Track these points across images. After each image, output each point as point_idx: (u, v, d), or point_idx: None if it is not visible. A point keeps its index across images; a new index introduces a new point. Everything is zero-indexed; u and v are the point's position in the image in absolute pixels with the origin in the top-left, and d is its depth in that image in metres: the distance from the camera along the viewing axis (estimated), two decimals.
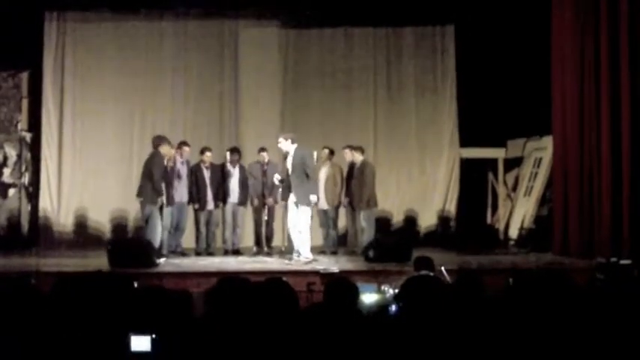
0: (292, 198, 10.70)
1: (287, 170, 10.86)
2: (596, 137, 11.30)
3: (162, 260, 10.44)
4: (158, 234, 10.79)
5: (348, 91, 14.77)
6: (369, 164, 12.05)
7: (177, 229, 11.86)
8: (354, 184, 11.98)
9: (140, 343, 3.42)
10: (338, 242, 12.53)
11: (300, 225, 10.66)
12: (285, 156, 10.90)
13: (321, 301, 4.41)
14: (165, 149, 11.18)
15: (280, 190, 11.38)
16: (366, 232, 11.70)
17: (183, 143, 12.04)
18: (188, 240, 12.18)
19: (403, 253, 10.40)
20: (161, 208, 11.13)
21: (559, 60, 11.84)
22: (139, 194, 11.13)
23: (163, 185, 11.15)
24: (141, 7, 14.51)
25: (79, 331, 3.45)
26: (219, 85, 14.76)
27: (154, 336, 3.42)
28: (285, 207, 11.08)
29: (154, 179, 10.90)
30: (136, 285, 4.74)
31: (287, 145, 10.76)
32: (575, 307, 3.80)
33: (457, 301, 4.27)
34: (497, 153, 15.12)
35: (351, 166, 12.18)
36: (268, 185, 11.96)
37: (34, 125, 14.45)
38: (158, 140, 11.31)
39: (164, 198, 11.14)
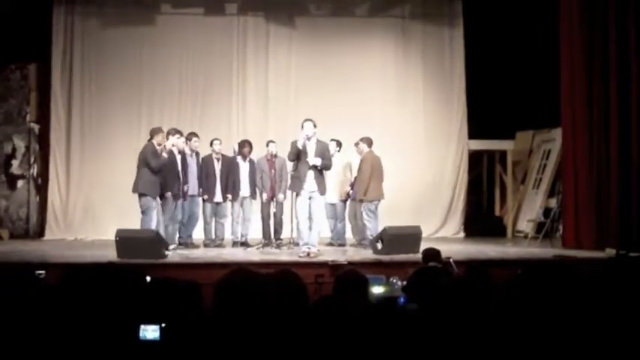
0: (308, 189, 10.32)
1: (299, 158, 10.35)
2: (604, 129, 11.28)
3: (170, 252, 10.42)
4: (152, 227, 10.71)
5: (356, 83, 14.75)
6: (367, 157, 11.77)
7: (189, 220, 11.86)
8: (357, 176, 11.92)
9: (149, 331, 3.43)
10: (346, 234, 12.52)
11: (313, 216, 10.39)
12: (304, 143, 10.24)
13: (330, 293, 4.41)
14: (159, 139, 11.04)
15: (289, 181, 11.10)
16: (368, 225, 11.56)
17: (192, 134, 12.02)
18: (197, 232, 12.16)
19: (411, 245, 10.38)
20: (164, 200, 11.14)
21: (568, 52, 11.80)
22: (134, 188, 10.91)
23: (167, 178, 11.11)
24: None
25: (88, 320, 3.46)
26: (227, 77, 14.77)
27: (163, 325, 3.43)
28: (294, 198, 10.71)
29: (152, 168, 10.77)
30: (148, 279, 4.74)
31: (310, 129, 10.25)
32: (583, 299, 3.79)
33: (465, 293, 4.27)
34: (506, 145, 15.12)
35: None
36: (277, 178, 11.96)
37: (43, 117, 14.52)
38: (153, 131, 11.22)
39: (167, 190, 11.13)
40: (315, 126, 10.28)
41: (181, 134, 11.50)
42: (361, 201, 11.62)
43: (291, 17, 14.93)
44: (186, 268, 9.41)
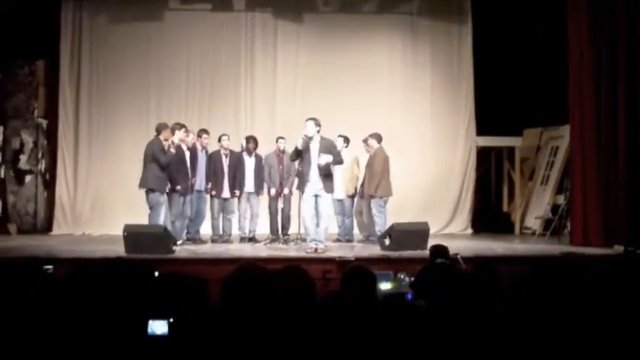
0: (313, 188, 10.20)
1: (300, 157, 10.30)
2: (612, 125, 11.24)
3: (177, 247, 10.42)
4: (160, 222, 10.70)
5: (364, 80, 14.72)
6: (378, 153, 11.78)
7: (197, 216, 11.86)
8: (366, 172, 11.89)
9: (157, 326, 3.43)
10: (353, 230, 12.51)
11: (320, 213, 10.27)
12: (304, 143, 10.17)
13: (338, 289, 4.40)
14: (165, 134, 10.98)
15: (296, 179, 11.01)
16: (377, 221, 11.54)
17: (202, 131, 12.03)
18: (204, 228, 12.17)
19: (419, 241, 10.36)
20: (170, 196, 11.15)
21: (576, 49, 11.75)
22: (142, 184, 10.89)
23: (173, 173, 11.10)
24: None
25: (96, 316, 3.47)
26: (235, 74, 14.77)
27: (171, 320, 3.43)
28: (301, 196, 10.54)
29: (161, 164, 10.76)
30: (157, 274, 4.76)
31: (312, 129, 10.14)
32: (591, 297, 3.78)
33: (473, 290, 4.26)
34: (514, 142, 15.09)
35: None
36: (285, 174, 11.96)
37: (51, 112, 14.55)
38: (159, 127, 11.19)
39: (176, 185, 11.12)
40: (317, 124, 10.17)
41: (186, 128, 11.47)
42: (372, 197, 11.58)
43: (299, 14, 14.92)
44: (194, 264, 9.40)
